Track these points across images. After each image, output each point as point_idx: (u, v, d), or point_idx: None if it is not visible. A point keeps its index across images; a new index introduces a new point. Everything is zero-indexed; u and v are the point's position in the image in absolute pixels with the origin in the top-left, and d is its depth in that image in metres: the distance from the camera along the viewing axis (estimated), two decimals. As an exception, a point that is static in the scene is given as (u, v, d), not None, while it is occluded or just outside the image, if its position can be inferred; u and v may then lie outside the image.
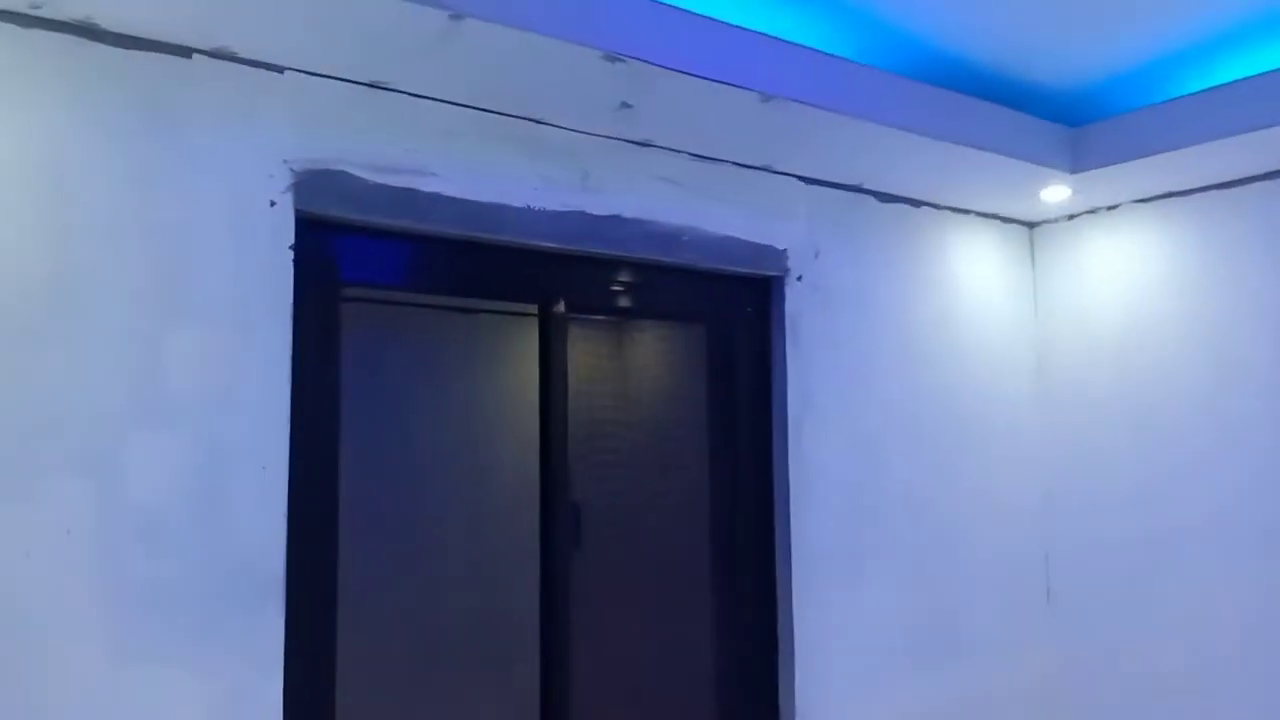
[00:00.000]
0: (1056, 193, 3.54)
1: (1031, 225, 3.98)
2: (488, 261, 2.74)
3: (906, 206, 3.57)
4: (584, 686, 2.81)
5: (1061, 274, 3.91)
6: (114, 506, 2.10)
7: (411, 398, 4.66)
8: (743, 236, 3.12)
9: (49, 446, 2.04)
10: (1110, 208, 3.75)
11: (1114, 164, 3.28)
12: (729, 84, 2.51)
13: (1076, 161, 3.33)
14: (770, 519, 3.17)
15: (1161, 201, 3.61)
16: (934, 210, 3.66)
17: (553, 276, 2.84)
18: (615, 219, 2.86)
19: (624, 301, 3.03)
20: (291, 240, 2.36)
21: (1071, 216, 3.88)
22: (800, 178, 3.27)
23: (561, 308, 2.85)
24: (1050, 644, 3.81)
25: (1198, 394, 3.48)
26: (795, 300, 3.23)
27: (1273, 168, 3.28)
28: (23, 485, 2.01)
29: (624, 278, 2.99)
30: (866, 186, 3.43)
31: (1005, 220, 3.90)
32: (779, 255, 3.20)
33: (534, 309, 2.87)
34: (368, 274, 2.58)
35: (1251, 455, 3.33)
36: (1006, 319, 3.86)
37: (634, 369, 4.56)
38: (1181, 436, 3.52)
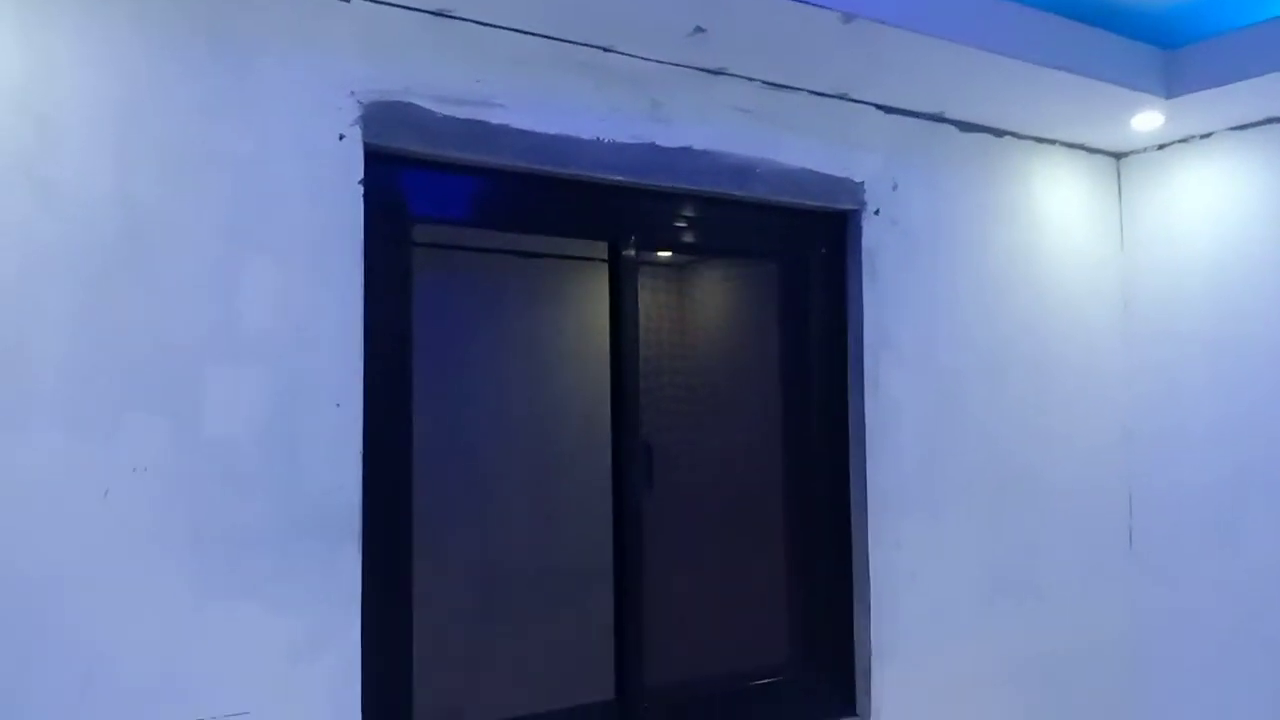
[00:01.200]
0: (1149, 119, 3.36)
1: (1119, 156, 3.80)
2: (556, 196, 2.67)
3: (989, 136, 3.42)
4: (657, 623, 2.78)
5: (1150, 206, 3.74)
6: (190, 444, 2.10)
7: (479, 342, 4.65)
8: (818, 169, 3.01)
9: (125, 384, 2.04)
10: (1204, 136, 3.56)
11: (1211, 88, 3.10)
12: (808, 3, 2.40)
13: (1171, 86, 3.15)
14: (845, 458, 3.10)
15: (1260, 128, 3.41)
16: (1017, 140, 3.50)
17: (622, 211, 2.77)
18: (686, 151, 2.77)
19: (694, 237, 2.95)
20: (360, 174, 2.31)
21: (1162, 146, 3.69)
22: (878, 106, 3.14)
23: (632, 246, 2.78)
24: (1131, 588, 3.70)
25: (1293, 330, 3.33)
26: (872, 235, 3.12)
27: (1386, 88, 3.08)
28: (100, 423, 2.01)
29: (694, 212, 2.91)
30: (947, 115, 3.29)
31: (1091, 151, 3.73)
32: (855, 188, 3.09)
33: (602, 253, 2.80)
34: (437, 209, 2.54)
35: (1354, 394, 3.18)
36: (1091, 253, 3.70)
37: (705, 310, 4.48)
38: (1272, 373, 3.36)
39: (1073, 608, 3.54)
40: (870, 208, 3.11)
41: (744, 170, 2.87)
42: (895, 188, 3.17)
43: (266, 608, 2.16)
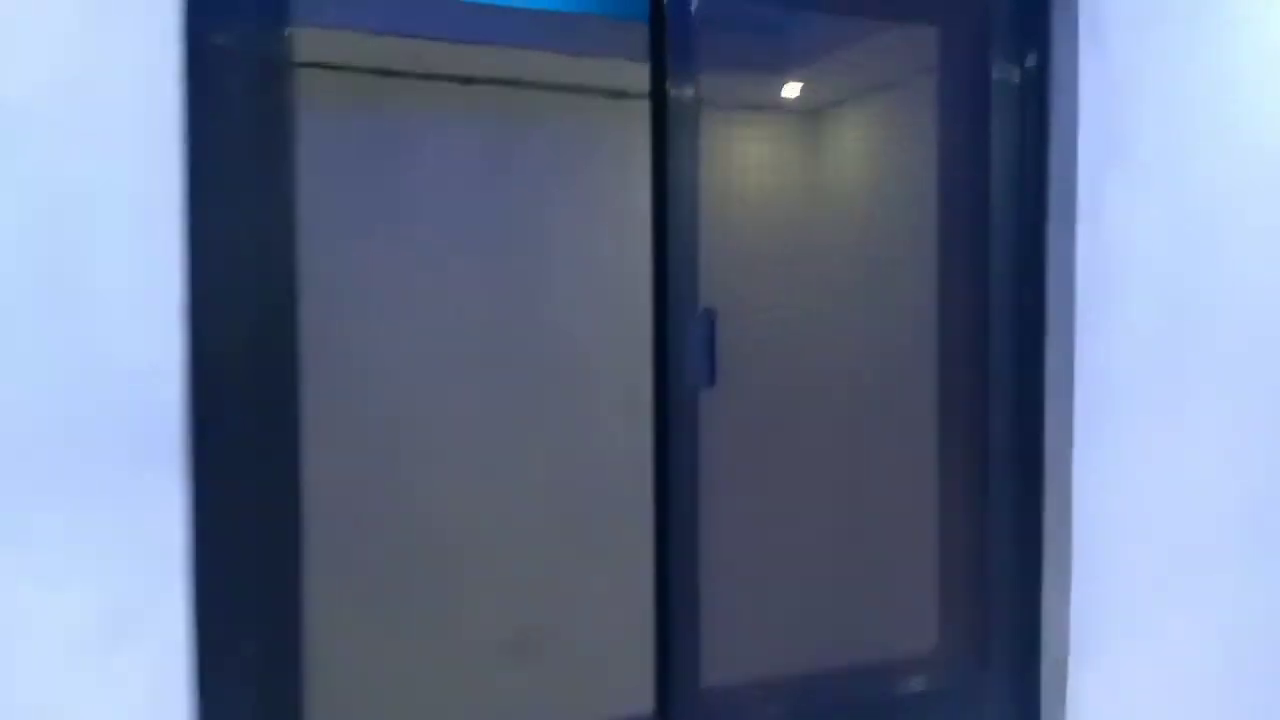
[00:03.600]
0: None
1: None
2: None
3: None
4: (725, 596, 1.79)
5: None
6: None
7: (555, 200, 3.67)
8: None
9: None
10: None
11: None
12: None
13: None
14: (1039, 335, 1.96)
15: None
16: None
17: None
18: None
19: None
20: None
21: None
22: None
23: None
24: None
25: None
26: (1096, -29, 1.91)
27: None
28: None
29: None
30: None
31: None
32: (1070, -111, 1.88)
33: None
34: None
35: None
36: None
37: (836, 155, 3.33)
38: None
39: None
40: (1095, -74, 1.89)
41: None
42: (1138, -107, 1.93)
43: (30, 574, 1.28)
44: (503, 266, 3.53)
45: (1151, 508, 1.99)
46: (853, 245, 2.20)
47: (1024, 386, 1.97)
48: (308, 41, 2.92)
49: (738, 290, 1.90)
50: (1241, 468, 2.09)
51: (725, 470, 1.81)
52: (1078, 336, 1.91)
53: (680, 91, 1.74)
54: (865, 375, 2.08)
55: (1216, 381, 2.05)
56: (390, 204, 3.39)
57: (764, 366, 1.90)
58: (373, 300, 3.27)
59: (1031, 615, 1.96)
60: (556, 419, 3.49)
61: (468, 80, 3.63)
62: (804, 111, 3.37)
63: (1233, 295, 2.06)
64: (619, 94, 3.80)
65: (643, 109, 3.75)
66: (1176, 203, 1.98)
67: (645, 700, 1.74)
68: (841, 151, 3.17)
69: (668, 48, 1.72)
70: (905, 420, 2.04)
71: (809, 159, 3.27)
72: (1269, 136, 2.09)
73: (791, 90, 3.36)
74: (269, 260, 1.46)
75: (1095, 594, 1.93)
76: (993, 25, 1.95)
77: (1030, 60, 1.95)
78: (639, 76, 3.51)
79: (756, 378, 1.87)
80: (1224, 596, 2.07)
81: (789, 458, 2.03)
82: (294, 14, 1.48)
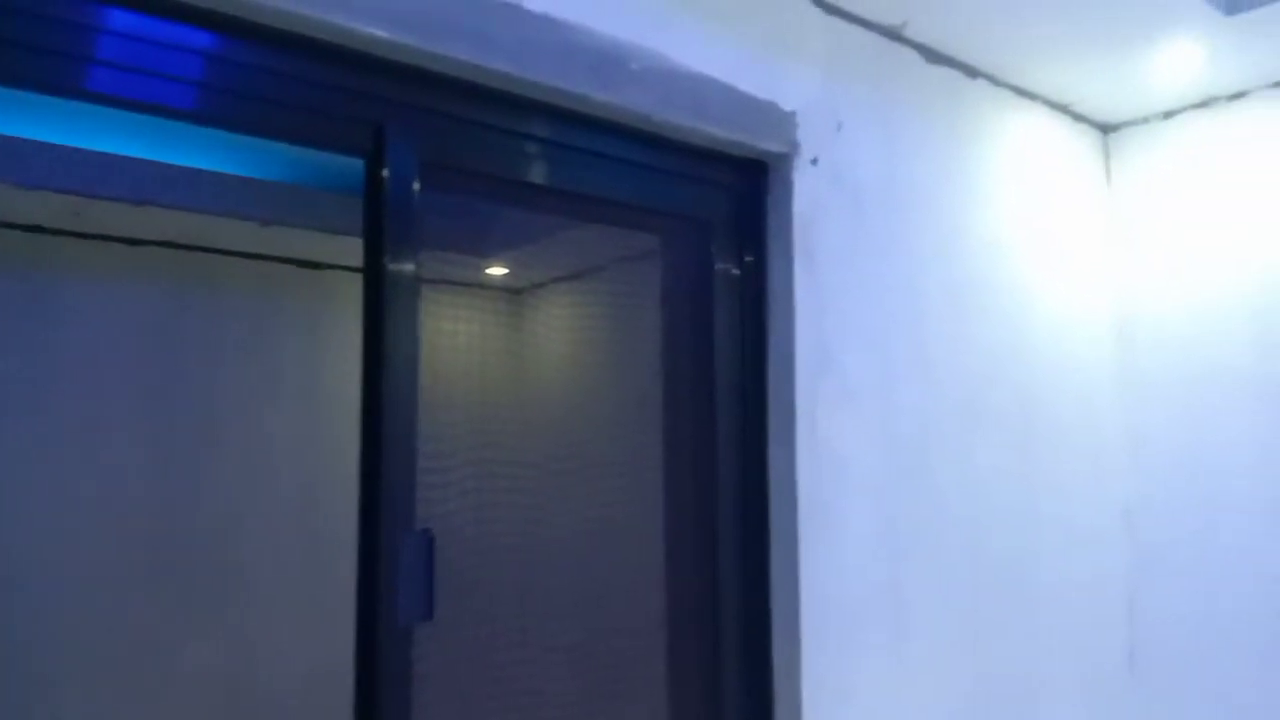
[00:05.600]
0: (1186, 56, 2.35)
1: (1106, 130, 2.81)
2: (278, 71, 1.43)
3: (959, 75, 2.36)
4: None
5: (1149, 202, 2.75)
6: None
7: (230, 378, 3.29)
8: (729, 80, 1.86)
9: None
10: (1235, 96, 2.59)
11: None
12: None
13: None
14: (764, 551, 1.92)
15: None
16: (992, 86, 2.46)
17: (387, 105, 1.54)
18: (511, 9, 1.57)
19: (514, 170, 1.72)
20: None
21: (1169, 114, 2.72)
22: (819, 2, 2.03)
23: (411, 177, 1.55)
24: (1134, 725, 2.65)
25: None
26: (809, 196, 1.99)
27: None
28: None
29: (516, 125, 1.69)
30: (909, 35, 2.21)
31: (1076, 118, 2.73)
32: (783, 121, 1.96)
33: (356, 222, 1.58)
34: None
35: None
36: (1078, 256, 2.69)
37: (543, 339, 3.23)
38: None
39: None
40: (805, 153, 1.98)
41: (610, 62, 1.69)
42: (840, 128, 2.06)
43: None
44: (166, 452, 3.09)
45: (876, 715, 1.97)
46: (578, 443, 2.09)
47: (751, 600, 1.91)
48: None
49: (453, 502, 1.71)
50: (958, 675, 2.14)
51: (441, 709, 1.58)
52: (801, 544, 1.89)
53: (399, 267, 1.56)
54: (591, 598, 1.94)
55: (929, 589, 2.11)
56: (35, 375, 2.89)
57: (485, 591, 1.71)
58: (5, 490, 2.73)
59: None
60: (224, 640, 3.02)
61: (134, 242, 3.26)
62: (517, 290, 3.24)
63: (936, 505, 2.15)
64: (310, 264, 3.54)
65: (334, 280, 3.49)
66: (886, 424, 2.06)
67: None
68: (561, 331, 3.06)
69: (387, 223, 1.55)
70: (632, 643, 1.91)
71: (524, 340, 3.13)
72: (961, 364, 2.25)
73: (504, 269, 3.18)
74: None
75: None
76: (714, 246, 1.96)
77: (749, 256, 1.98)
78: (330, 248, 3.29)
79: (477, 604, 1.67)
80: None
81: (515, 693, 1.83)
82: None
